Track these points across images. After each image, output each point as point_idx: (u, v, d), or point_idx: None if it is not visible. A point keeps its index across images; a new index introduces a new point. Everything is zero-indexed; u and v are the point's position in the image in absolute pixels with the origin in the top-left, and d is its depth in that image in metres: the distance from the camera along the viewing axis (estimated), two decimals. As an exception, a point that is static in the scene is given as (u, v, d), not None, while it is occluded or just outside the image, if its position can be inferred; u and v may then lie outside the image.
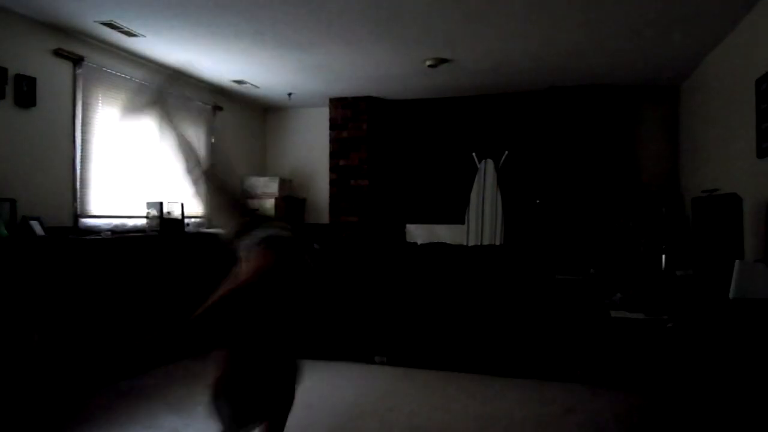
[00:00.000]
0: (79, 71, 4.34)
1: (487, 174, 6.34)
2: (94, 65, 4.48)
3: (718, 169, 4.57)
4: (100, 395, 3.73)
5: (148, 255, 4.49)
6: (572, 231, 5.83)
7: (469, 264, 4.67)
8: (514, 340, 4.25)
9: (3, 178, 3.72)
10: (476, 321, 4.37)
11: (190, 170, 2.83)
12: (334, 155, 6.67)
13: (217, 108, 6.17)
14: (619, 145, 5.99)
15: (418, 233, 6.48)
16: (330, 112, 6.68)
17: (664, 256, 4.89)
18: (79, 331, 3.85)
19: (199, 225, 5.86)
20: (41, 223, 3.79)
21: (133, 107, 3.44)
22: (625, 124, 6.03)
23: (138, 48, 4.67)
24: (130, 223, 4.84)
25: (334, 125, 6.66)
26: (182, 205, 5.15)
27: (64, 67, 4.25)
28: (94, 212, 4.49)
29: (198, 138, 5.94)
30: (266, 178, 6.63)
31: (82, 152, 4.37)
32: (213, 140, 6.14)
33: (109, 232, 4.47)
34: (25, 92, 3.88)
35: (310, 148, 7.10)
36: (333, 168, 6.67)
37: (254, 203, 6.44)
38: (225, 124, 6.38)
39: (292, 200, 6.82)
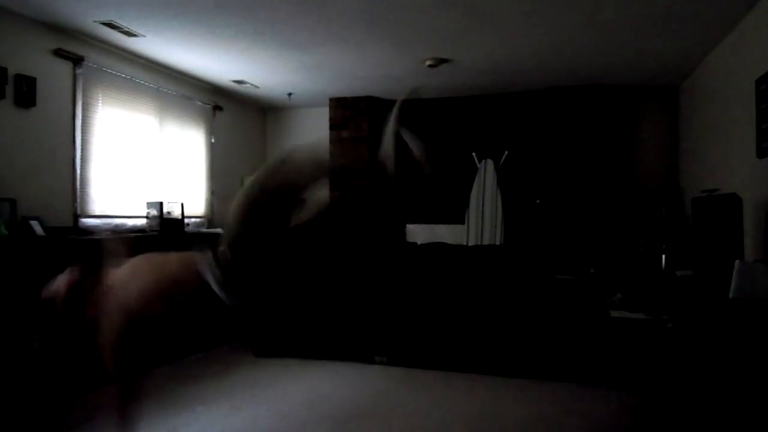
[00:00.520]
0: (79, 71, 4.34)
1: (487, 174, 6.34)
2: (94, 65, 4.48)
3: (718, 169, 4.57)
4: (100, 395, 3.73)
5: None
6: (572, 231, 5.83)
7: (469, 264, 4.67)
8: (514, 340, 4.25)
9: (3, 178, 3.72)
10: (476, 321, 4.37)
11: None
12: (334, 155, 6.66)
13: (217, 108, 6.17)
14: (619, 145, 5.99)
15: (418, 233, 6.48)
16: (330, 112, 6.68)
17: (664, 256, 4.89)
18: (79, 332, 3.84)
19: (199, 225, 5.87)
20: (41, 223, 3.79)
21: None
22: (624, 124, 6.03)
23: (138, 48, 4.67)
24: (130, 223, 4.85)
25: (334, 125, 6.66)
26: (182, 205, 5.16)
27: (64, 67, 4.25)
28: (94, 212, 4.50)
29: (198, 138, 5.95)
30: (266, 178, 6.61)
31: (82, 152, 4.37)
32: (213, 140, 6.15)
33: (109, 232, 4.47)
34: (25, 92, 3.88)
35: (310, 148, 7.09)
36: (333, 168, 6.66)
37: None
38: (225, 124, 6.38)
39: (292, 200, 6.81)
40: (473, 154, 6.42)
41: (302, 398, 3.65)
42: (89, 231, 4.36)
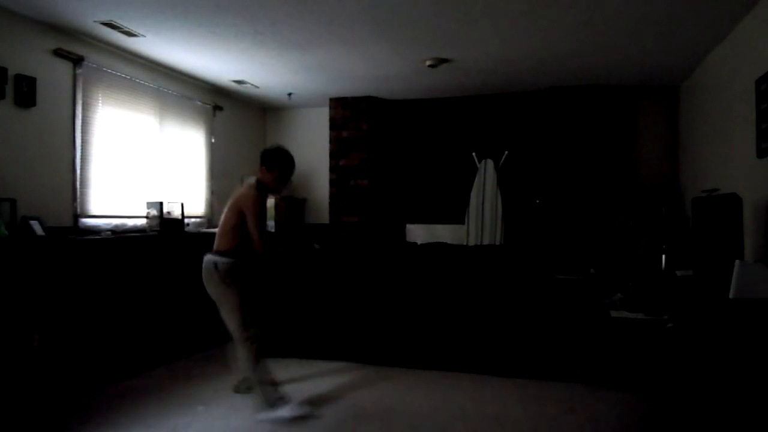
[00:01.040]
0: (79, 71, 4.34)
1: (487, 174, 6.34)
2: (94, 65, 4.48)
3: (718, 169, 4.57)
4: (100, 395, 3.73)
5: (148, 255, 4.49)
6: (572, 231, 5.83)
7: (469, 264, 4.67)
8: (515, 340, 4.25)
9: (3, 178, 3.72)
10: (476, 321, 4.37)
11: None
12: (334, 155, 6.67)
13: (217, 108, 6.17)
14: (618, 145, 5.99)
15: (418, 233, 6.49)
16: (330, 112, 6.68)
17: (664, 256, 4.89)
18: (79, 332, 3.85)
19: (199, 225, 5.87)
20: (41, 223, 3.79)
21: None
22: (625, 124, 6.03)
23: (138, 48, 4.67)
24: (130, 223, 4.84)
25: (334, 125, 6.66)
26: (182, 205, 5.16)
27: (64, 67, 4.25)
28: (94, 212, 4.49)
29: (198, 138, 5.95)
30: (266, 178, 6.62)
31: (82, 152, 4.37)
32: (213, 140, 6.15)
33: (109, 232, 4.47)
34: (25, 92, 3.88)
35: (310, 148, 7.09)
36: (333, 168, 6.67)
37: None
38: (225, 124, 6.38)
39: (292, 200, 6.82)
40: (473, 154, 6.42)
41: (302, 398, 3.65)
42: (89, 231, 4.37)
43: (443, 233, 6.37)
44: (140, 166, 5.01)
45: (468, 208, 6.35)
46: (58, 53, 4.17)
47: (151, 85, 5.15)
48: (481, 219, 6.28)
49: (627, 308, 4.23)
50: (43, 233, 3.75)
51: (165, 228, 4.83)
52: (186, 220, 5.28)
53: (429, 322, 4.47)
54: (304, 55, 4.89)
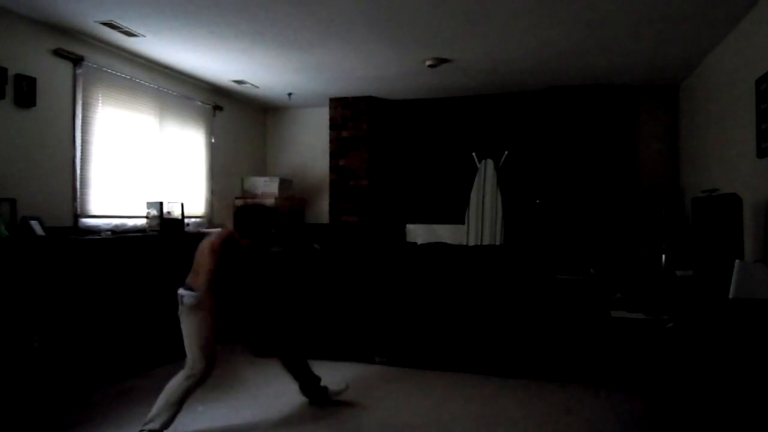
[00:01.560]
0: (79, 71, 4.34)
1: (487, 174, 6.34)
2: (94, 65, 4.48)
3: (718, 169, 4.57)
4: (100, 395, 3.73)
5: (148, 255, 4.49)
6: (572, 231, 5.83)
7: (469, 264, 4.67)
8: (515, 340, 4.25)
9: (3, 178, 3.72)
10: (476, 321, 4.37)
11: None
12: (334, 155, 6.67)
13: (217, 108, 6.17)
14: (618, 145, 5.99)
15: (418, 233, 6.49)
16: (330, 112, 6.68)
17: (664, 256, 4.89)
18: (79, 332, 3.85)
19: (199, 225, 5.87)
20: (41, 223, 3.79)
21: None
22: (624, 124, 6.03)
23: (138, 48, 4.67)
24: (130, 223, 4.84)
25: (334, 125, 6.66)
26: (182, 205, 5.16)
27: (64, 67, 4.25)
28: (94, 212, 4.50)
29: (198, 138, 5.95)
30: (266, 178, 6.63)
31: (82, 152, 4.37)
32: (213, 140, 6.15)
33: (109, 232, 4.47)
34: (25, 92, 3.88)
35: (310, 149, 7.10)
36: (333, 168, 6.67)
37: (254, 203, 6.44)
38: (225, 124, 6.38)
39: (292, 200, 6.82)
40: (473, 154, 6.42)
41: (302, 398, 3.65)
42: (89, 231, 4.37)
43: (443, 233, 6.37)
44: (140, 166, 5.01)
45: (468, 208, 6.35)
46: (58, 53, 4.17)
47: (151, 85, 5.15)
48: (481, 219, 6.28)
49: (627, 308, 4.23)
50: (43, 233, 3.76)
51: (165, 228, 4.83)
52: (186, 220, 5.28)
53: (429, 322, 4.47)
54: (304, 55, 4.89)
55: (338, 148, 6.64)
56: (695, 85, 5.29)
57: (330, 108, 6.68)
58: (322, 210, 6.93)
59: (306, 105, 6.99)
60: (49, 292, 3.64)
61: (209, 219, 6.10)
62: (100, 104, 4.56)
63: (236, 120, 6.67)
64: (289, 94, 6.35)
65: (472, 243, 6.26)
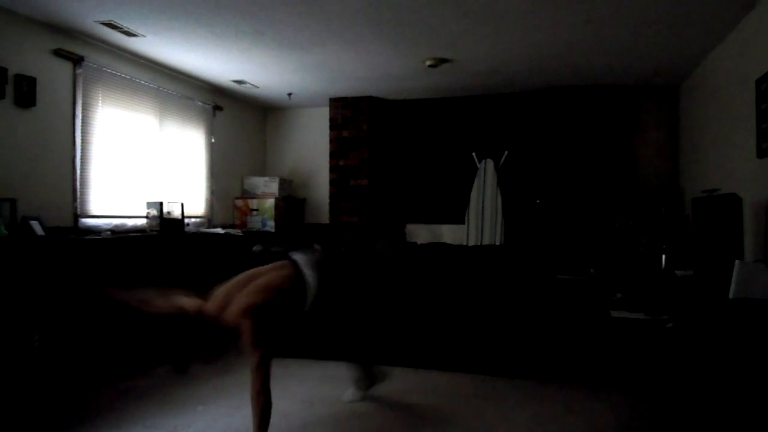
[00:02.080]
0: (79, 71, 4.34)
1: (487, 174, 6.34)
2: (94, 65, 4.48)
3: (718, 169, 4.57)
4: (100, 395, 3.73)
5: (148, 255, 4.49)
6: (572, 231, 5.82)
7: (469, 264, 4.67)
8: (514, 340, 4.25)
9: (3, 178, 3.72)
10: (476, 321, 4.37)
11: None
12: (334, 155, 6.67)
13: (217, 108, 6.17)
14: (619, 145, 5.99)
15: (418, 233, 6.49)
16: (330, 112, 6.68)
17: (664, 256, 4.89)
18: (80, 331, 3.85)
19: (199, 225, 5.87)
20: (41, 223, 3.79)
21: None
22: (624, 124, 6.03)
23: (138, 48, 4.67)
24: (130, 223, 4.84)
25: (334, 125, 6.66)
26: (182, 205, 5.16)
27: (64, 67, 4.25)
28: (94, 212, 4.50)
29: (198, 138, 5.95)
30: (266, 178, 6.63)
31: (82, 152, 4.37)
32: (213, 140, 6.15)
33: (109, 232, 4.47)
34: (25, 92, 3.88)
35: (310, 148, 7.10)
36: (333, 168, 6.67)
37: (254, 203, 6.45)
38: (225, 124, 6.38)
39: (292, 200, 6.82)
40: (473, 154, 6.42)
41: (302, 398, 3.65)
42: (89, 231, 4.37)
43: (443, 233, 6.37)
44: (140, 166, 5.01)
45: (468, 208, 6.35)
46: (58, 53, 4.17)
47: (151, 85, 5.15)
48: (481, 219, 6.28)
49: (627, 308, 4.23)
50: (43, 233, 3.76)
51: (165, 228, 4.83)
52: (186, 220, 5.29)
53: (429, 321, 4.47)
54: (304, 55, 4.89)
55: (338, 148, 6.64)
56: (695, 85, 5.29)
57: (330, 108, 6.68)
58: (322, 210, 6.93)
59: (306, 105, 6.99)
60: (49, 292, 3.64)
61: (209, 219, 6.10)
62: (100, 104, 4.56)
63: (236, 120, 6.67)
64: (289, 94, 6.35)
65: (472, 243, 6.26)
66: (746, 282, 2.75)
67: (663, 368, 3.72)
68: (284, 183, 6.69)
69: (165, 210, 4.90)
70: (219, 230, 5.74)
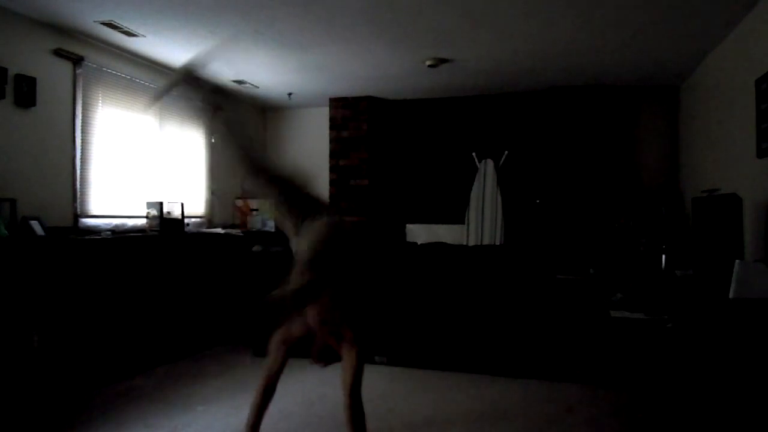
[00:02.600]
0: (79, 71, 4.34)
1: (487, 174, 6.34)
2: (94, 65, 4.48)
3: (718, 169, 4.57)
4: (100, 395, 3.73)
5: (148, 255, 4.49)
6: (572, 231, 5.83)
7: (469, 264, 4.66)
8: (515, 340, 4.25)
9: (3, 178, 3.72)
10: (476, 321, 4.37)
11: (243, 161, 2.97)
12: (334, 155, 6.67)
13: (217, 108, 6.15)
14: (619, 145, 5.99)
15: (418, 233, 6.48)
16: (330, 112, 6.68)
17: (664, 256, 4.89)
18: (79, 332, 3.85)
19: (199, 225, 5.87)
20: (41, 223, 3.79)
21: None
22: (624, 124, 6.03)
23: (138, 48, 4.67)
24: (130, 223, 4.84)
25: (334, 125, 6.66)
26: (182, 205, 5.16)
27: (64, 67, 4.25)
28: (94, 212, 4.50)
29: (197, 138, 5.94)
30: (266, 178, 6.62)
31: (82, 152, 4.37)
32: (213, 140, 6.15)
33: (109, 232, 4.47)
34: (25, 92, 3.88)
35: (310, 148, 7.10)
36: (333, 168, 6.67)
37: (254, 203, 6.45)
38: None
39: (292, 200, 6.81)
40: (473, 154, 6.42)
41: (302, 398, 3.65)
42: (89, 231, 4.37)
43: (443, 233, 6.37)
44: (140, 166, 5.01)
45: (468, 208, 6.35)
46: (58, 53, 4.17)
47: (151, 85, 5.15)
48: (481, 219, 6.28)
49: (627, 308, 4.23)
50: (43, 233, 3.76)
51: (165, 228, 4.83)
52: (186, 220, 5.28)
53: (429, 321, 4.47)
54: (304, 55, 4.89)
55: (338, 148, 6.64)
56: (695, 85, 5.29)
57: (330, 108, 6.68)
58: (322, 210, 6.92)
59: (306, 105, 6.98)
60: (49, 292, 3.64)
61: (209, 219, 6.10)
62: (100, 104, 4.56)
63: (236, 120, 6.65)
64: (289, 94, 6.35)
65: (472, 243, 6.26)
66: (746, 282, 2.75)
67: (663, 368, 3.72)
68: (284, 183, 6.68)
69: (165, 210, 4.90)
70: (219, 230, 5.74)
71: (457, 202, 6.42)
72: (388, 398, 3.71)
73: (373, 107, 6.56)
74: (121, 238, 4.39)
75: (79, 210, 4.36)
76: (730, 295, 2.78)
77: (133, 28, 4.17)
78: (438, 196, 6.57)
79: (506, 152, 6.30)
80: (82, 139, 4.36)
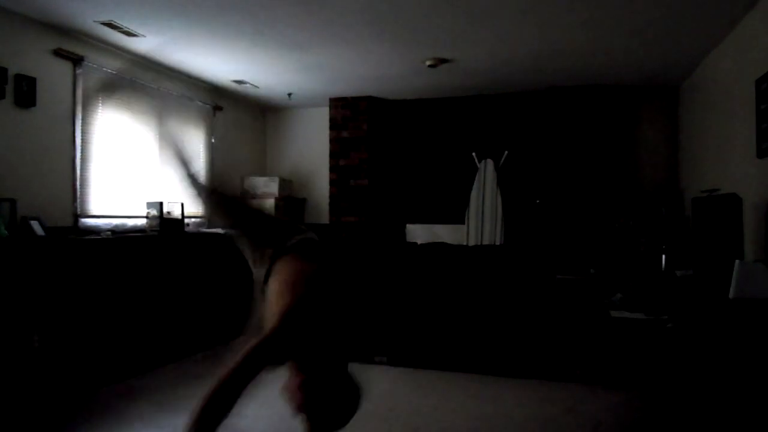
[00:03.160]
0: (79, 71, 4.34)
1: (487, 174, 6.34)
2: (94, 65, 4.48)
3: (718, 169, 4.57)
4: (100, 395, 3.73)
5: (148, 255, 4.49)
6: (572, 231, 5.83)
7: (469, 264, 4.67)
8: (514, 340, 4.25)
9: (3, 178, 3.72)
10: (476, 321, 4.37)
11: (186, 176, 2.56)
12: (334, 155, 6.67)
13: (217, 108, 6.17)
14: (619, 145, 5.99)
15: (418, 233, 6.48)
16: (330, 112, 6.68)
17: (664, 256, 4.89)
18: (79, 332, 3.85)
19: (199, 225, 5.86)
20: (41, 223, 3.79)
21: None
22: (624, 124, 6.03)
23: (138, 48, 4.67)
24: (130, 223, 4.84)
25: (334, 125, 6.66)
26: (182, 205, 5.15)
27: (64, 67, 4.25)
28: (94, 212, 4.49)
29: (197, 138, 5.95)
30: (266, 178, 6.63)
31: (82, 152, 4.37)
32: (213, 140, 6.15)
33: (109, 232, 4.47)
34: (25, 92, 3.88)
35: (310, 148, 7.10)
36: (333, 168, 6.67)
37: (254, 203, 6.44)
38: (225, 124, 6.38)
39: (292, 200, 6.82)
40: (473, 154, 6.42)
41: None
42: (89, 231, 4.37)
43: (443, 233, 6.37)
44: (140, 166, 5.01)
45: (468, 208, 6.35)
46: (58, 53, 4.17)
47: (151, 85, 5.15)
48: (481, 219, 6.28)
49: (627, 308, 4.23)
50: (43, 233, 3.76)
51: (165, 228, 4.83)
52: (186, 220, 5.28)
53: (429, 322, 4.47)
54: (304, 55, 4.89)
55: (338, 148, 6.64)
56: (695, 85, 5.29)
57: (330, 108, 6.68)
58: (322, 210, 6.93)
59: (306, 105, 6.98)
60: (49, 292, 3.64)
61: (209, 219, 6.09)
62: (100, 104, 4.55)
63: (236, 120, 6.66)
64: (289, 94, 6.35)
65: (472, 243, 6.26)
66: (746, 282, 2.75)
67: (663, 368, 3.72)
68: (284, 183, 6.69)
69: (165, 210, 4.90)
70: (219, 230, 5.73)
71: (457, 202, 6.42)
72: (388, 398, 3.71)
73: (373, 107, 6.56)
74: (121, 238, 4.39)
75: (79, 210, 4.36)
76: (730, 295, 2.78)
77: (133, 28, 4.17)
78: (438, 196, 6.57)
79: (506, 152, 6.30)
80: (82, 139, 4.36)
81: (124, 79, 3.19)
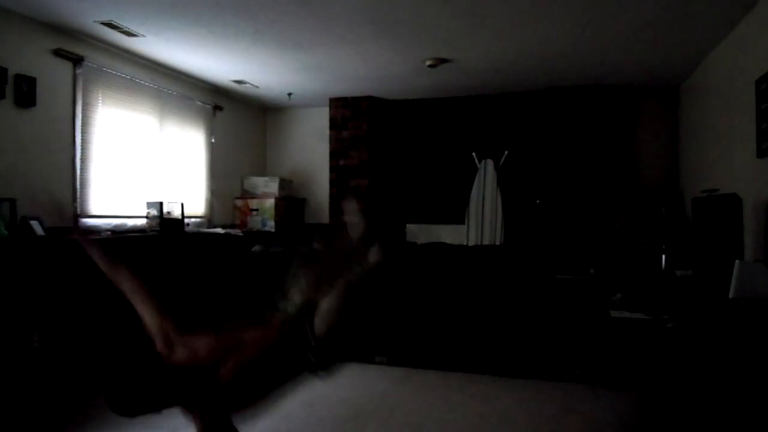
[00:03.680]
0: (79, 71, 4.34)
1: (487, 174, 6.34)
2: (94, 65, 4.48)
3: (718, 169, 4.57)
4: (100, 395, 3.73)
5: (148, 255, 4.49)
6: (572, 231, 5.83)
7: (469, 264, 4.67)
8: (515, 340, 4.25)
9: (3, 178, 3.72)
10: (476, 321, 4.37)
11: None
12: (334, 155, 6.67)
13: (217, 108, 6.17)
14: (619, 145, 5.99)
15: (418, 233, 6.48)
16: (330, 112, 6.68)
17: (664, 256, 4.89)
18: (79, 332, 3.85)
19: (199, 225, 5.87)
20: (41, 223, 3.79)
21: None
22: (624, 124, 6.03)
23: (138, 48, 4.67)
24: (130, 223, 4.84)
25: (334, 125, 6.66)
26: (182, 205, 5.16)
27: (64, 67, 4.25)
28: (94, 212, 4.49)
29: (197, 138, 5.95)
30: (266, 178, 6.63)
31: (82, 152, 4.37)
32: (213, 140, 6.15)
33: (109, 232, 4.47)
34: (25, 92, 3.88)
35: (310, 148, 7.10)
36: (333, 168, 6.67)
37: (254, 203, 6.45)
38: (225, 124, 6.38)
39: (292, 200, 6.82)
40: (473, 154, 6.42)
41: (302, 398, 3.65)
42: (89, 231, 4.36)
43: (443, 233, 6.37)
44: (140, 166, 5.01)
45: (468, 208, 6.35)
46: (58, 53, 4.17)
47: (151, 85, 5.15)
48: (481, 219, 6.28)
49: (627, 308, 4.23)
50: (43, 233, 3.75)
51: (165, 228, 4.83)
52: (186, 220, 5.29)
53: (429, 322, 4.47)
54: (304, 55, 4.89)
55: (338, 148, 6.64)
56: (695, 85, 5.29)
57: (330, 108, 6.68)
58: (322, 210, 6.93)
59: (306, 105, 6.99)
60: (50, 292, 3.64)
61: (209, 219, 6.10)
62: (100, 104, 4.56)
63: (236, 120, 6.67)
64: (289, 94, 6.35)
65: (472, 243, 6.26)
66: (746, 282, 2.75)
67: (663, 368, 3.72)
68: (284, 183, 6.69)
69: (165, 210, 4.90)
70: (219, 230, 5.74)
71: (457, 202, 6.42)
72: (387, 398, 3.71)
73: (373, 107, 6.56)
74: (121, 238, 4.39)
75: (79, 210, 4.36)
76: (730, 295, 2.78)
77: (133, 28, 4.17)
78: (438, 196, 6.57)
79: (506, 152, 6.30)
80: (82, 139, 4.36)
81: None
